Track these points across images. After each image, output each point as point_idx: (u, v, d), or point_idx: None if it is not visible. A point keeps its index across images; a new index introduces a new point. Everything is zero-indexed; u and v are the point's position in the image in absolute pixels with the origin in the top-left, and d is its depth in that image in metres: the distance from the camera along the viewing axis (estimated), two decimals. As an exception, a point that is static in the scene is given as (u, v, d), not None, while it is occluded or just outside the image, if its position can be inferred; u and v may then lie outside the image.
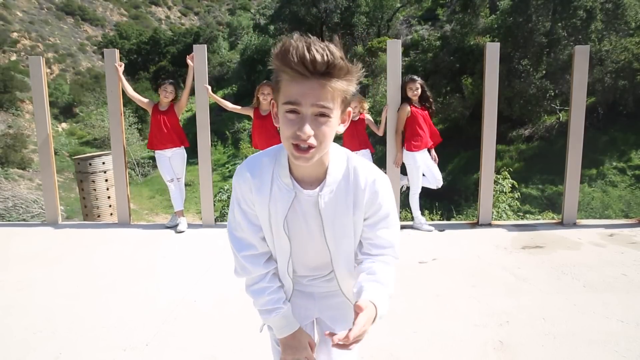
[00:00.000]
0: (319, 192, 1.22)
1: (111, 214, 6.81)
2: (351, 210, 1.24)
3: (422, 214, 5.08)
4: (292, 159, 1.14)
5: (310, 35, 1.06)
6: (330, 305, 1.42)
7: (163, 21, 67.21)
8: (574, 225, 4.79)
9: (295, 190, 1.22)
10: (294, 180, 1.23)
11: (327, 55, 1.01)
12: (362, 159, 1.29)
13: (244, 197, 1.27)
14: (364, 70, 1.12)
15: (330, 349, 1.38)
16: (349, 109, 1.16)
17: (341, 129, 1.16)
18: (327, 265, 1.34)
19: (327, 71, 1.03)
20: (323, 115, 1.07)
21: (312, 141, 1.08)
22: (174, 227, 4.94)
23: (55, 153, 6.47)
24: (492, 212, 5.39)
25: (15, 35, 48.13)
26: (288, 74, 1.05)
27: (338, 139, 1.41)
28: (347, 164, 1.25)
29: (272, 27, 33.58)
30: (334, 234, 1.26)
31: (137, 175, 26.63)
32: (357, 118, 4.74)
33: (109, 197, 6.81)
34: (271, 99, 1.18)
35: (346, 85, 1.08)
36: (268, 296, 1.30)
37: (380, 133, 4.90)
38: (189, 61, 4.87)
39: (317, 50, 1.00)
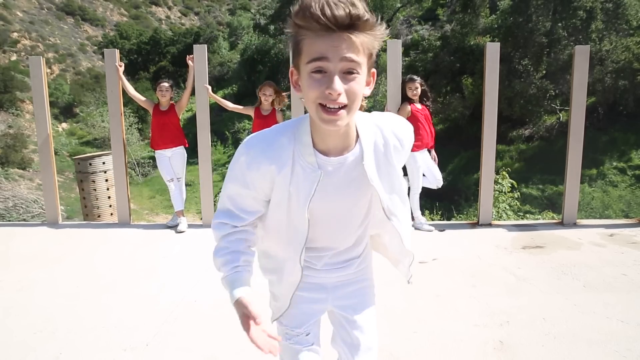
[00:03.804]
0: (362, 162, 1.15)
1: (111, 214, 6.81)
2: (394, 169, 1.21)
3: (423, 214, 5.08)
4: (321, 123, 1.05)
5: None
6: (345, 295, 1.34)
7: (163, 21, 67.13)
8: (574, 225, 4.79)
9: (321, 169, 1.13)
10: (320, 153, 1.14)
11: (351, 7, 0.97)
12: (381, 113, 1.24)
13: (249, 181, 1.17)
14: (386, 27, 1.05)
15: (352, 333, 1.34)
16: (374, 69, 1.10)
17: (367, 91, 1.08)
18: (355, 242, 1.29)
19: (352, 23, 0.97)
20: (351, 72, 1.01)
21: (343, 99, 1.01)
22: (174, 227, 4.94)
23: (56, 153, 6.47)
24: (492, 212, 5.39)
25: (15, 35, 48.10)
26: (311, 31, 0.99)
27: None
28: (372, 122, 1.19)
29: (272, 27, 33.53)
30: (390, 199, 1.22)
31: (137, 175, 26.61)
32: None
33: (109, 197, 6.81)
34: (291, 71, 1.10)
35: (372, 40, 1.02)
36: (223, 257, 1.20)
37: None
38: (189, 61, 4.88)
39: (341, 2, 0.96)
